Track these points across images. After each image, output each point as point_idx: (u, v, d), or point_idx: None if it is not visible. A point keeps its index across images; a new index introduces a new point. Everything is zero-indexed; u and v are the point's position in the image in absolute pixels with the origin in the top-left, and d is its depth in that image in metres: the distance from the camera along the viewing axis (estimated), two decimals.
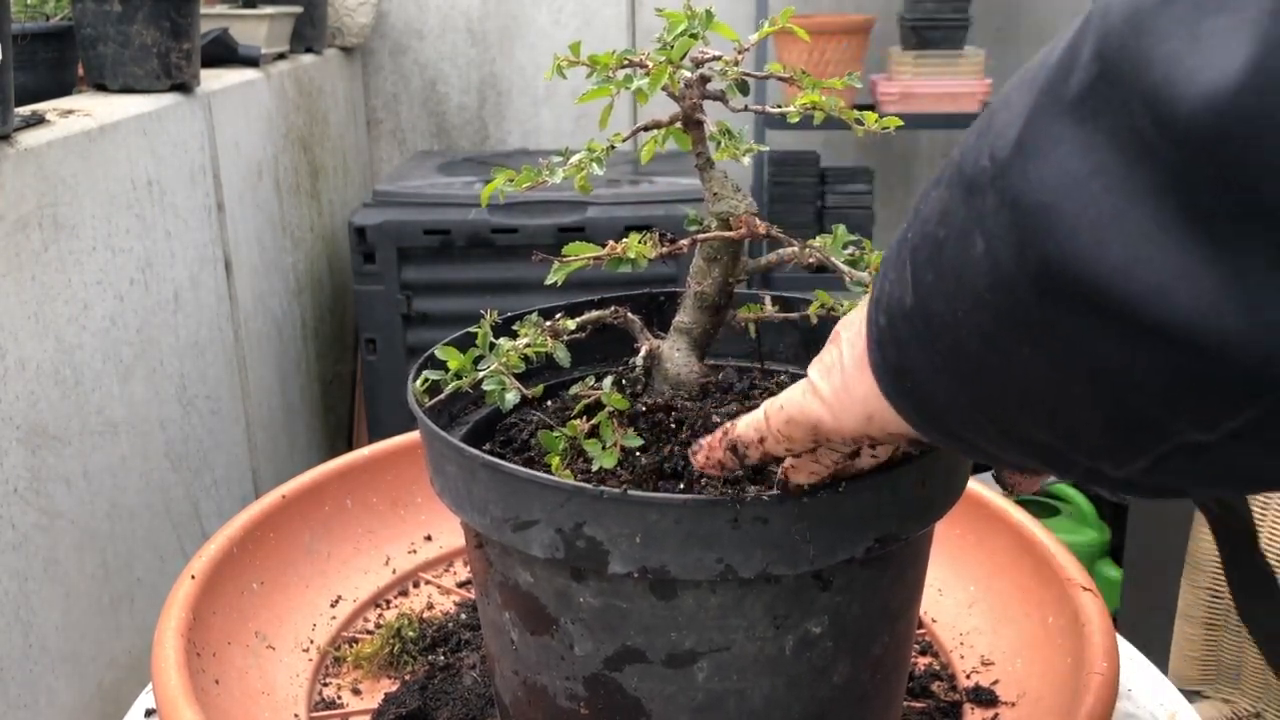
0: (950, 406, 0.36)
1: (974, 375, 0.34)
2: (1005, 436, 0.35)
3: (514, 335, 0.59)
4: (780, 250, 0.60)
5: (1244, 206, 0.25)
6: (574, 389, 0.61)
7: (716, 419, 0.57)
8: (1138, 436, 0.30)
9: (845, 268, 0.58)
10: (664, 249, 0.59)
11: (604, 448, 0.54)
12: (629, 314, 0.62)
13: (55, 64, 1.38)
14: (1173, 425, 0.29)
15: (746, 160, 0.59)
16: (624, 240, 0.58)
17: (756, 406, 0.48)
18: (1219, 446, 0.28)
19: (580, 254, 0.58)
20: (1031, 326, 0.30)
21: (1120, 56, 0.27)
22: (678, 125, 0.59)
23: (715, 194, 0.58)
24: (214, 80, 1.62)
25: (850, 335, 0.41)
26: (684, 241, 0.58)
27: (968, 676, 0.77)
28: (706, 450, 0.49)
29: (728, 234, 0.58)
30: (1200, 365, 0.27)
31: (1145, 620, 1.60)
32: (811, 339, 0.71)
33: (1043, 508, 2.18)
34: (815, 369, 0.44)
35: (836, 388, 0.42)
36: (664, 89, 0.56)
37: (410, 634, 0.80)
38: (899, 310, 0.36)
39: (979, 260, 0.31)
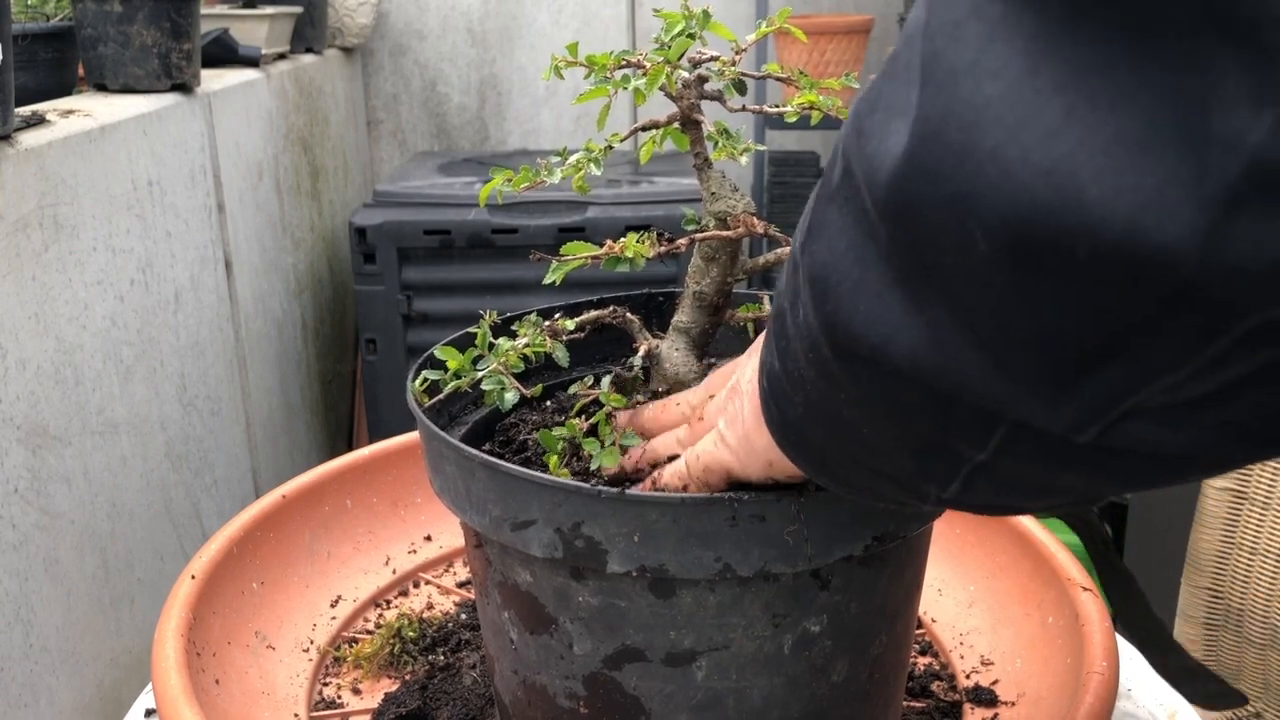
0: (826, 451, 0.41)
1: (828, 422, 0.39)
2: (873, 474, 0.40)
3: (513, 335, 0.59)
4: (779, 249, 0.60)
5: (924, 268, 0.30)
6: (573, 389, 0.61)
7: None
8: (939, 461, 0.35)
9: None
10: (662, 248, 0.59)
11: (602, 447, 0.54)
12: (628, 314, 0.62)
13: (55, 64, 1.38)
14: (956, 448, 0.34)
15: (744, 160, 0.59)
16: (622, 240, 0.58)
17: None
18: (998, 462, 0.33)
19: (578, 254, 0.58)
20: (836, 377, 0.36)
21: (850, 154, 0.33)
22: (676, 125, 0.59)
23: (713, 193, 0.58)
24: (214, 80, 1.62)
25: (749, 389, 0.46)
26: (682, 241, 0.58)
27: (967, 676, 0.77)
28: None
29: (725, 233, 0.58)
30: (936, 399, 0.32)
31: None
32: None
33: None
34: (722, 420, 0.48)
35: (740, 438, 0.47)
36: (662, 89, 0.56)
37: (410, 634, 0.80)
38: (771, 372, 0.41)
39: (801, 324, 0.37)
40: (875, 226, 0.32)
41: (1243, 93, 0.22)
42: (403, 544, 0.92)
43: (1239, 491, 1.11)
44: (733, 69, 0.58)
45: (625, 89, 0.56)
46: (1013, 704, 0.73)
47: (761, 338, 0.44)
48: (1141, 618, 0.51)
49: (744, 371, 0.48)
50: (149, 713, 0.77)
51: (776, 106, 0.61)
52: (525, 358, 0.58)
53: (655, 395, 0.60)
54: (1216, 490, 1.12)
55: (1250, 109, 0.22)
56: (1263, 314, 0.24)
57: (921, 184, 0.29)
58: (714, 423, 0.50)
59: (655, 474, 0.52)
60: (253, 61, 1.78)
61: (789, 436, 0.42)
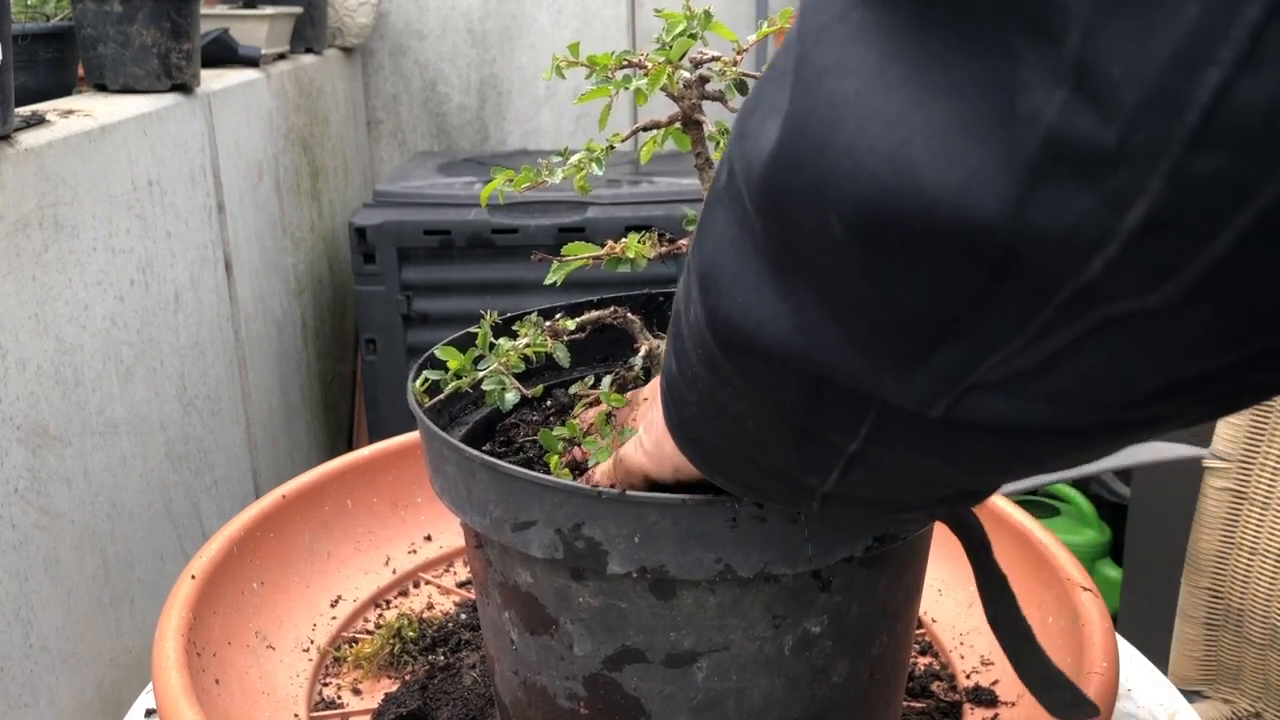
0: (718, 449, 0.43)
1: (718, 418, 0.41)
2: (760, 471, 0.42)
3: (514, 335, 0.59)
4: None
5: (791, 255, 0.32)
6: (573, 389, 0.61)
7: None
8: (816, 452, 0.37)
9: None
10: (663, 249, 0.59)
11: (603, 446, 0.54)
12: (628, 314, 0.62)
13: (55, 64, 1.38)
14: (830, 437, 0.36)
15: None
16: (623, 240, 0.58)
17: None
18: (869, 452, 0.35)
19: (579, 254, 0.58)
20: (722, 370, 0.38)
21: (734, 155, 0.35)
22: (677, 125, 0.59)
23: None
24: (214, 80, 1.62)
25: (658, 396, 0.47)
26: (683, 241, 0.59)
27: (967, 676, 0.77)
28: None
29: None
30: (808, 383, 0.34)
31: (1145, 620, 1.60)
32: None
33: (1043, 508, 2.18)
34: (642, 425, 0.51)
35: (654, 443, 0.49)
36: (663, 89, 0.56)
37: (410, 634, 0.80)
38: (669, 375, 0.43)
39: (692, 324, 0.39)
40: (752, 221, 0.34)
41: (1039, 76, 0.24)
42: (403, 544, 0.92)
43: (1239, 491, 1.11)
44: (734, 69, 0.58)
45: (626, 89, 0.56)
46: (1013, 704, 0.73)
47: None
48: (1010, 620, 0.53)
49: (659, 380, 0.49)
50: (149, 713, 0.77)
51: None
52: (526, 358, 0.58)
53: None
54: (1216, 490, 1.12)
55: (1045, 90, 0.24)
56: (1076, 280, 0.26)
57: (787, 175, 0.31)
58: (637, 426, 0.52)
59: (591, 470, 0.55)
60: (253, 61, 1.78)
61: (686, 436, 0.45)
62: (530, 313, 0.62)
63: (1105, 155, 0.24)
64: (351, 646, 0.80)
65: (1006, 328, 0.29)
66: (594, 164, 0.58)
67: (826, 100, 0.29)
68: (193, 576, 0.75)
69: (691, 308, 0.39)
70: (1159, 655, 0.95)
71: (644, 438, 0.50)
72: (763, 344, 0.34)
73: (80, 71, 1.46)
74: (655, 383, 0.54)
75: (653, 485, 0.51)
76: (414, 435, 0.92)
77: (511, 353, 0.57)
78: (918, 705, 0.73)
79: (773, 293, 0.34)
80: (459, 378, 0.58)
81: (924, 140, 0.27)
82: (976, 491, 0.42)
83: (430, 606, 0.86)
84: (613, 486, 0.51)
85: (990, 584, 0.53)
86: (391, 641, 0.79)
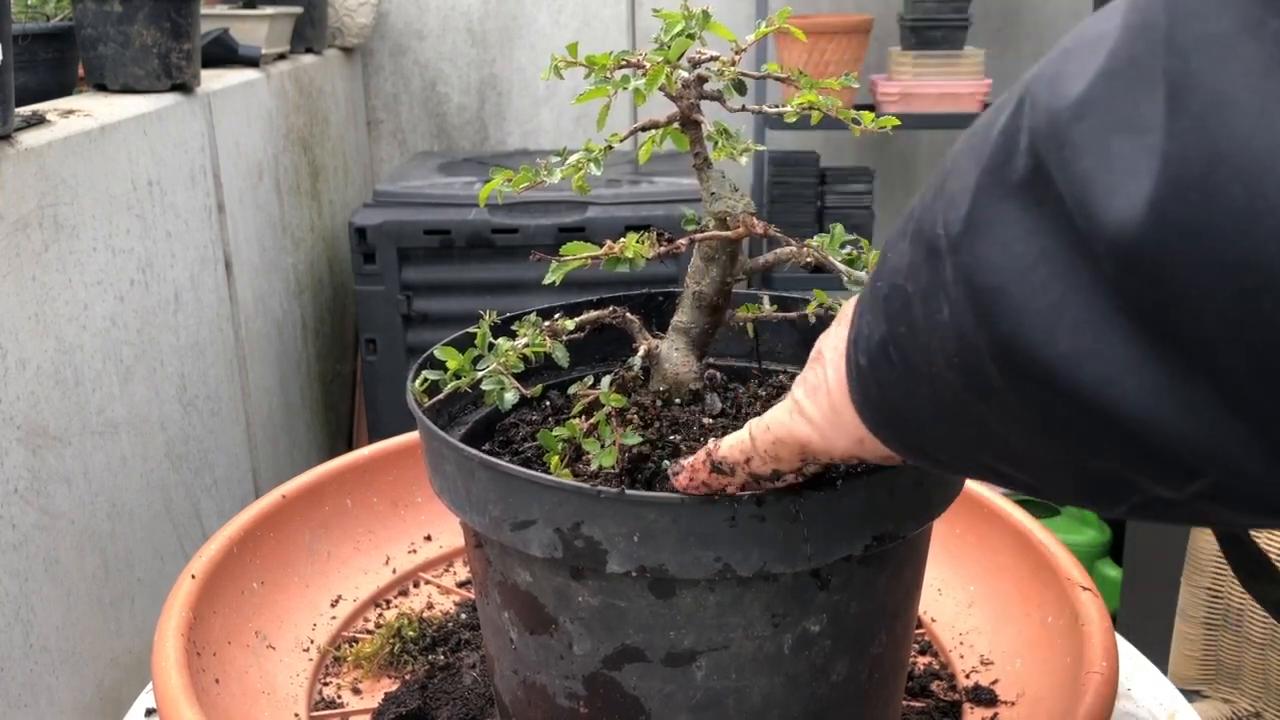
0: (934, 442, 0.37)
1: (952, 420, 0.35)
2: (990, 472, 0.36)
3: (513, 335, 0.59)
4: (778, 250, 0.60)
5: (1173, 325, 0.25)
6: (573, 389, 0.61)
7: (707, 420, 0.58)
8: (1108, 491, 0.31)
9: (843, 267, 0.58)
10: (662, 249, 0.59)
11: (603, 446, 0.54)
12: (627, 314, 0.62)
13: (55, 64, 1.38)
14: (1138, 484, 0.30)
15: (744, 160, 0.59)
16: (622, 240, 0.58)
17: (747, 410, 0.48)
18: (1187, 503, 0.29)
19: (578, 254, 0.58)
20: (996, 392, 0.31)
21: (1048, 158, 0.27)
22: (675, 125, 0.60)
23: (713, 194, 0.58)
24: (214, 80, 1.62)
25: (835, 359, 0.42)
26: (681, 241, 0.59)
27: (967, 676, 0.77)
28: (689, 472, 0.49)
29: (725, 234, 0.58)
30: (1148, 449, 0.28)
31: (1145, 620, 1.60)
32: (810, 338, 0.70)
33: (1043, 508, 2.18)
34: (801, 390, 0.44)
35: (825, 411, 0.42)
36: (661, 89, 0.56)
37: (410, 634, 0.80)
38: (880, 354, 0.37)
39: (946, 325, 0.32)
40: (1094, 249, 0.26)
41: None
42: (403, 544, 0.92)
43: None
44: (732, 69, 0.58)
45: (625, 89, 0.56)
46: (1013, 704, 0.73)
47: (851, 306, 0.40)
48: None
49: (827, 339, 0.43)
50: (149, 712, 0.77)
51: (776, 106, 0.61)
52: (525, 358, 0.58)
53: (655, 395, 0.60)
54: None
55: None
56: None
57: (1179, 242, 0.24)
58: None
59: (711, 445, 0.48)
60: (253, 61, 1.78)
61: (884, 420, 0.38)
62: (529, 313, 0.62)
63: None
64: (351, 646, 0.80)
65: None
66: (592, 164, 0.58)
67: (1245, 147, 0.22)
68: (193, 576, 0.75)
69: (946, 308, 0.32)
70: (1159, 655, 0.95)
71: (805, 404, 0.43)
72: (1093, 402, 0.28)
73: (80, 71, 1.46)
74: (823, 340, 0.45)
75: (810, 461, 0.45)
76: (414, 435, 0.92)
77: (510, 353, 0.57)
78: (917, 705, 0.73)
79: (1124, 345, 0.26)
80: (458, 378, 0.58)
81: None
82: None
83: (430, 606, 0.86)
84: (748, 462, 0.46)
85: (1252, 563, 0.49)
86: (391, 641, 0.79)
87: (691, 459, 0.49)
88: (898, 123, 0.59)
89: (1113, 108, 0.25)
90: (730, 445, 0.47)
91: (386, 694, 0.75)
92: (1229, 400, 0.25)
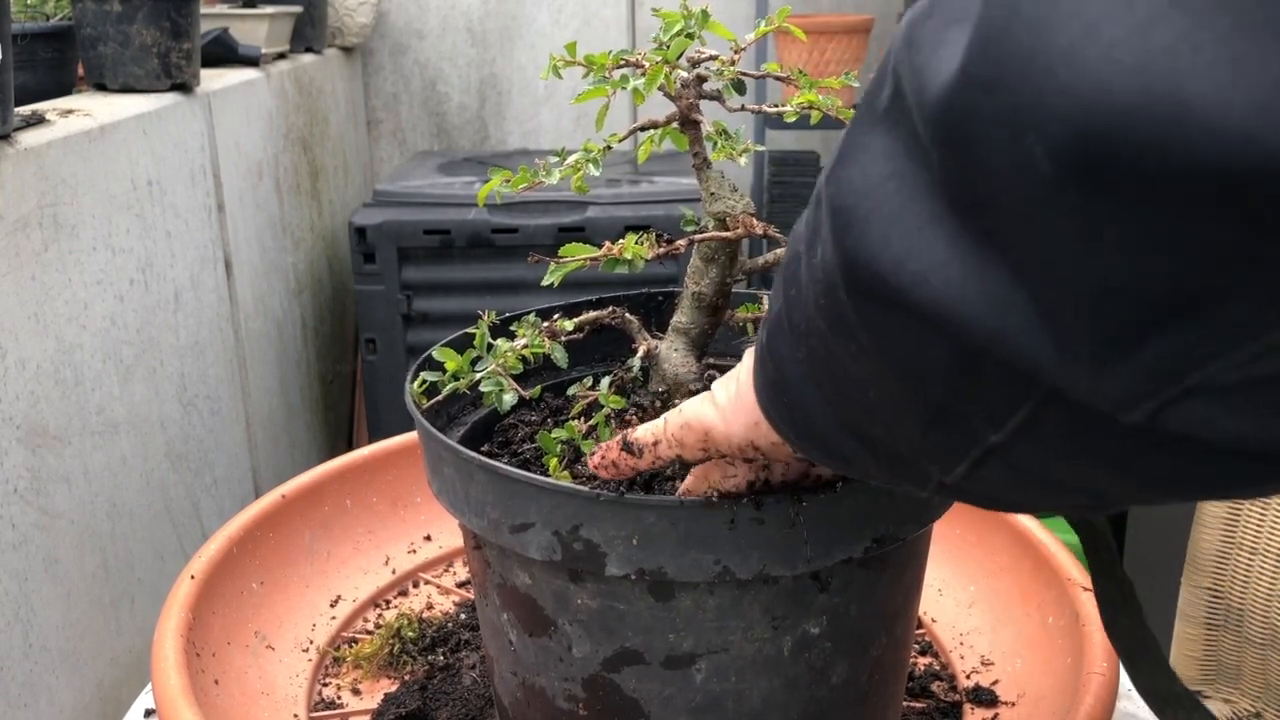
0: (816, 416, 0.37)
1: (826, 379, 0.35)
2: (867, 446, 0.36)
3: (511, 336, 0.59)
4: (778, 250, 0.60)
5: (977, 197, 0.26)
6: (572, 390, 0.60)
7: None
8: (949, 436, 0.31)
9: None
10: (661, 249, 0.58)
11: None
12: (627, 314, 0.62)
13: (55, 64, 1.38)
14: (971, 422, 0.30)
15: (743, 160, 0.59)
16: (621, 241, 0.58)
17: None
18: (1015, 446, 0.29)
19: (577, 255, 0.58)
20: (849, 324, 0.32)
21: (901, 70, 0.29)
22: (674, 125, 0.59)
23: (712, 194, 0.58)
24: (214, 80, 1.62)
25: (751, 350, 0.43)
26: (681, 242, 0.58)
27: (967, 676, 0.77)
28: (602, 451, 0.51)
29: (724, 234, 0.58)
30: (962, 354, 0.28)
31: None
32: None
33: None
34: (718, 382, 0.46)
35: (731, 396, 0.44)
36: (660, 89, 0.56)
37: (410, 634, 0.80)
38: (774, 325, 0.38)
39: (816, 268, 0.33)
40: (927, 152, 0.28)
41: None
42: (403, 544, 0.92)
43: None
44: (732, 68, 0.58)
45: (624, 89, 0.56)
46: (1013, 704, 0.73)
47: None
48: (1134, 630, 0.48)
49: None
50: (149, 713, 0.77)
51: (776, 106, 0.61)
52: (524, 359, 0.58)
53: (655, 396, 0.60)
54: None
55: None
56: None
57: (978, 97, 0.25)
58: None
59: (626, 431, 0.50)
60: (253, 61, 1.78)
61: (778, 398, 0.39)
62: (528, 313, 0.62)
63: None
64: (351, 646, 0.80)
65: (1272, 308, 0.22)
66: (591, 164, 0.58)
67: (1034, 2, 0.23)
68: (192, 576, 0.75)
69: (819, 247, 0.32)
70: None
71: (716, 392, 0.45)
72: (916, 299, 0.28)
73: (80, 71, 1.46)
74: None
75: (710, 450, 0.46)
76: (413, 435, 0.92)
77: (509, 354, 0.57)
78: (918, 705, 0.73)
79: (944, 241, 0.27)
80: (456, 379, 0.58)
81: (1192, 46, 0.21)
82: (1116, 502, 0.33)
83: (430, 606, 0.86)
84: (656, 444, 0.48)
85: (1113, 590, 0.48)
86: (391, 641, 0.79)
87: (609, 440, 0.50)
88: None
89: (949, 3, 0.27)
90: (645, 428, 0.49)
91: (386, 695, 0.75)
92: (1010, 268, 0.26)
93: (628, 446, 0.49)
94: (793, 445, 0.41)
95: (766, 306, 0.66)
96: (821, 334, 0.34)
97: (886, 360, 0.31)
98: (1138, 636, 0.48)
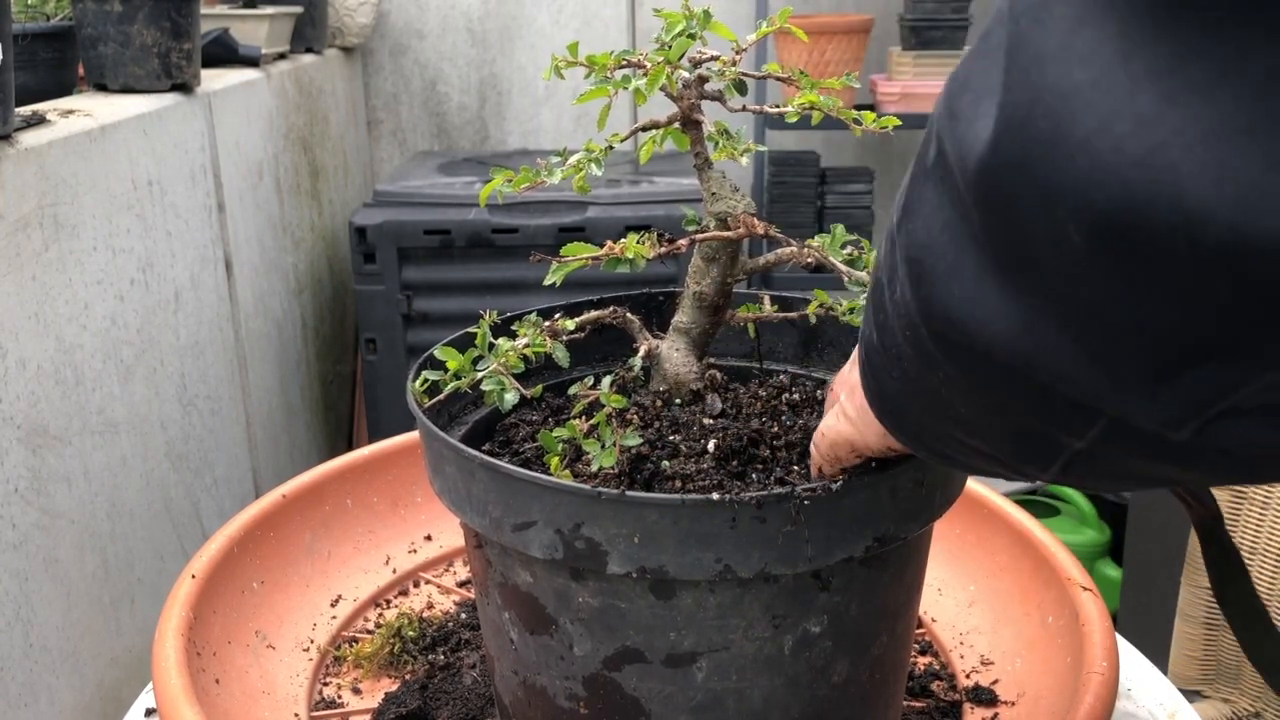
0: (922, 425, 0.41)
1: (925, 397, 0.38)
2: (969, 451, 0.39)
3: (513, 335, 0.59)
4: (779, 250, 0.60)
5: (1018, 256, 0.30)
6: (573, 389, 0.61)
7: (708, 421, 0.58)
8: (1037, 446, 0.35)
9: (843, 267, 0.58)
10: (662, 249, 0.59)
11: (603, 447, 0.54)
12: (628, 314, 0.62)
13: (55, 64, 1.38)
14: (1054, 436, 0.33)
15: (745, 160, 0.59)
16: (622, 241, 0.58)
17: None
18: (1097, 451, 0.33)
19: (578, 254, 0.58)
20: (933, 358, 0.35)
21: (944, 134, 0.32)
22: (676, 125, 0.59)
23: (713, 194, 0.58)
24: (214, 80, 1.62)
25: (855, 359, 0.45)
26: (682, 242, 0.58)
27: (967, 676, 0.77)
28: None
29: (726, 234, 0.58)
30: (1033, 389, 0.32)
31: (1145, 620, 1.60)
32: (810, 338, 0.71)
33: (1043, 508, 2.18)
34: (844, 392, 0.48)
35: (859, 408, 0.46)
36: (662, 89, 0.56)
37: (410, 633, 0.80)
38: (869, 345, 0.41)
39: (898, 303, 0.36)
40: (969, 210, 0.31)
41: None
42: (403, 543, 0.92)
43: (1239, 491, 1.11)
44: (733, 69, 0.58)
45: (625, 89, 0.56)
46: (1013, 704, 0.73)
47: None
48: (1244, 598, 0.50)
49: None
50: (149, 712, 0.77)
51: (777, 106, 0.61)
52: (525, 358, 0.58)
53: (656, 395, 0.60)
54: (1216, 490, 1.12)
55: None
56: None
57: (1010, 174, 0.28)
58: (838, 396, 0.49)
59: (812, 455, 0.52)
60: (253, 61, 1.78)
61: (886, 408, 0.42)
62: (529, 312, 0.62)
63: None
64: (351, 646, 0.80)
65: None
66: (592, 164, 0.58)
67: (1053, 91, 0.26)
68: (193, 576, 0.75)
69: (898, 286, 0.36)
70: (1159, 655, 0.95)
71: (846, 405, 0.48)
72: (985, 345, 0.32)
73: (80, 71, 1.46)
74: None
75: (865, 459, 0.49)
76: (414, 435, 0.92)
77: (510, 353, 0.57)
78: (918, 705, 0.73)
79: (997, 291, 0.31)
80: (458, 378, 0.58)
81: (1184, 144, 0.24)
82: (1201, 486, 0.38)
83: (430, 606, 0.86)
84: (820, 472, 0.51)
85: (1223, 560, 0.50)
86: (391, 641, 0.79)
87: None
88: (898, 123, 0.59)
89: (978, 75, 0.30)
90: (811, 466, 0.52)
91: (386, 694, 0.75)
92: (1057, 319, 0.29)
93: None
94: (907, 446, 0.43)
95: (769, 309, 0.67)
96: (912, 360, 0.37)
97: (969, 389, 0.35)
98: (1248, 605, 0.50)
